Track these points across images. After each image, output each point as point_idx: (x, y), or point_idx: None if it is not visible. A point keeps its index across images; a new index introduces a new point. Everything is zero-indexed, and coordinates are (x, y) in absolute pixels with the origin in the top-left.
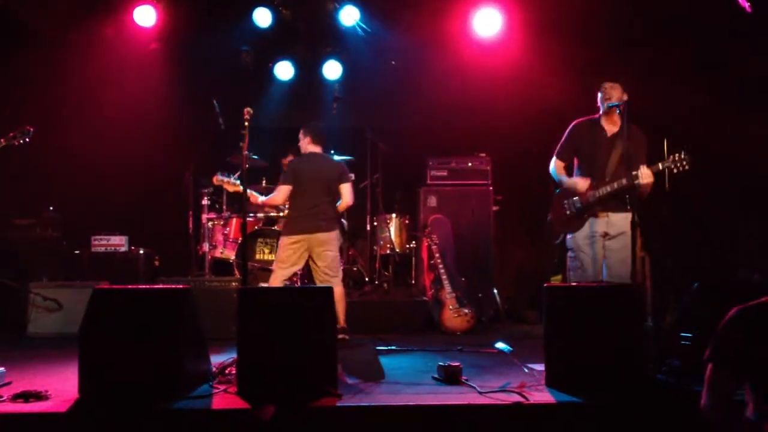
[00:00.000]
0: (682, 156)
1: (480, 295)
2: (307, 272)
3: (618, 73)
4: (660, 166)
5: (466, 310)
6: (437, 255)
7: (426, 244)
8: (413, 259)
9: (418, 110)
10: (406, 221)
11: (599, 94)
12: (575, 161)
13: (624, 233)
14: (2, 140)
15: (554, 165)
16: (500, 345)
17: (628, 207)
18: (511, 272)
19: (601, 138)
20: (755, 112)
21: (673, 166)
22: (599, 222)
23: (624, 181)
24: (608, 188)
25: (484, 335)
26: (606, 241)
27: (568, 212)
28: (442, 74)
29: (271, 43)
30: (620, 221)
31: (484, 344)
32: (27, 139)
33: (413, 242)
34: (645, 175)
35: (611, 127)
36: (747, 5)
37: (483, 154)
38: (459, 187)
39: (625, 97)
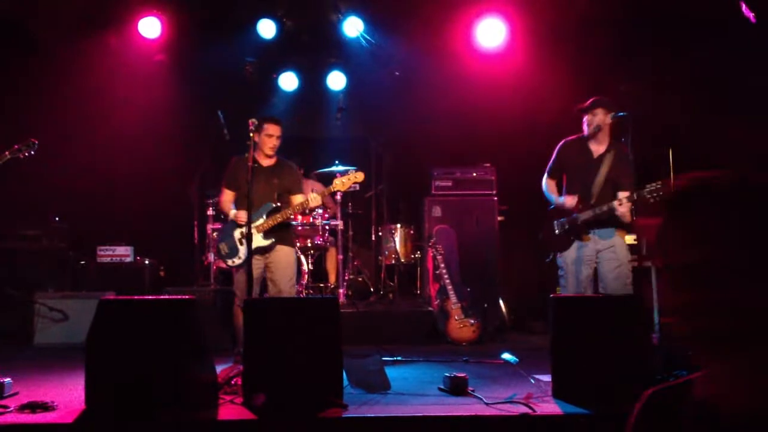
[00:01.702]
0: (659, 185)
1: (486, 305)
2: (313, 282)
3: (621, 82)
4: (635, 195)
5: (472, 321)
6: (442, 265)
7: (431, 254)
8: (418, 269)
9: (422, 120)
10: (411, 231)
11: (584, 119)
12: (564, 179)
13: (613, 246)
14: (7, 153)
15: (545, 183)
16: (506, 356)
17: (614, 221)
18: (517, 282)
19: (588, 158)
20: (760, 123)
21: (649, 196)
22: (587, 246)
23: (605, 207)
24: (591, 213)
25: (490, 346)
26: (598, 254)
27: (556, 231)
28: (446, 84)
29: (276, 54)
30: (607, 234)
31: (490, 355)
32: (32, 152)
33: (418, 252)
34: (622, 202)
35: (598, 147)
36: (752, 16)
37: (488, 165)
38: (464, 198)
39: (608, 120)
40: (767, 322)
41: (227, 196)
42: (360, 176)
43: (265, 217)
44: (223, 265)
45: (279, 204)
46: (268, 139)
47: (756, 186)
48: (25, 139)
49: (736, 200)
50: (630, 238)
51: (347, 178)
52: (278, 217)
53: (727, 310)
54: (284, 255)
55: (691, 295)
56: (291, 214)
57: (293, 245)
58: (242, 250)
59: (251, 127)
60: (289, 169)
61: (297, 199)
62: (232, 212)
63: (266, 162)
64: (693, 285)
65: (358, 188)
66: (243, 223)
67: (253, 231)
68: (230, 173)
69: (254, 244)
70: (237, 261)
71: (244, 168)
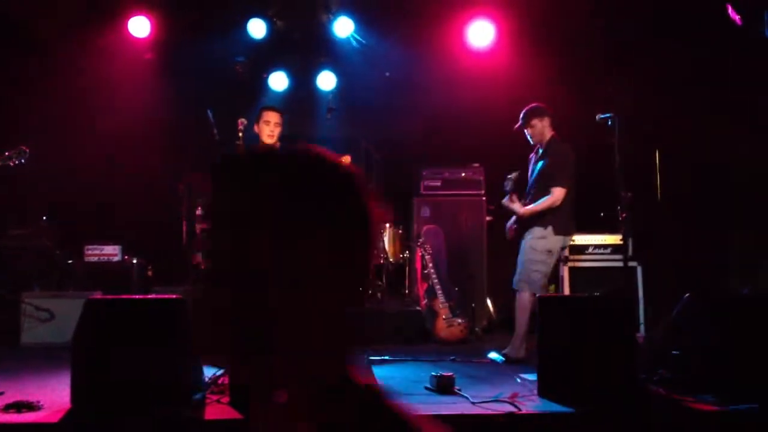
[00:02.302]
0: None
1: (473, 304)
2: None
3: (609, 83)
4: None
5: (460, 320)
6: (431, 265)
7: (419, 254)
8: (407, 268)
9: (411, 121)
10: (400, 231)
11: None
12: None
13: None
14: None
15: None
16: (493, 355)
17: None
18: (505, 282)
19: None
20: (748, 125)
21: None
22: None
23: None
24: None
25: (478, 345)
26: None
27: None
28: (436, 85)
29: (266, 53)
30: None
31: (477, 354)
32: (23, 161)
33: (407, 252)
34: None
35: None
36: (737, 18)
37: (476, 165)
38: (452, 198)
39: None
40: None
41: None
42: (346, 158)
43: None
44: None
45: None
46: (266, 126)
47: (286, 155)
48: (15, 146)
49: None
50: (615, 238)
51: None
52: None
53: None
54: None
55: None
56: None
57: None
58: None
59: (240, 127)
60: None
61: None
62: None
63: None
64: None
65: None
66: None
67: None
68: None
69: None
70: None
71: None
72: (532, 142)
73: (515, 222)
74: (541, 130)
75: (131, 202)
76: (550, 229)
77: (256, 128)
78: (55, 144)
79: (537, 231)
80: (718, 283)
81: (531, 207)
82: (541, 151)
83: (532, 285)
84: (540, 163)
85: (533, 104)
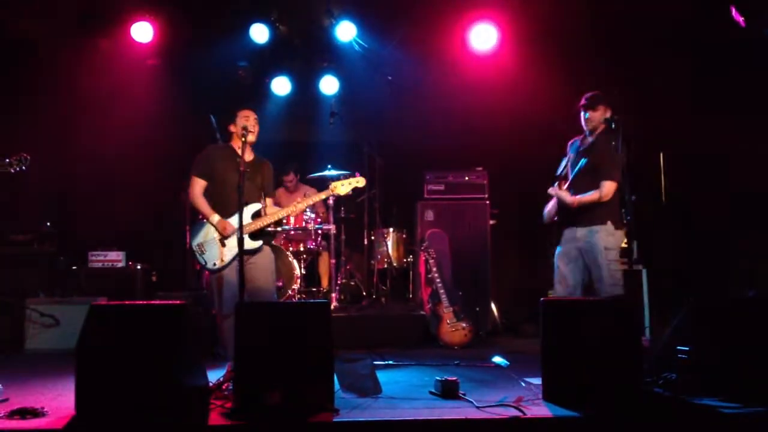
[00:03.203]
0: None
1: (477, 308)
2: (305, 287)
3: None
4: None
5: (464, 324)
6: (434, 269)
7: (423, 258)
8: (410, 273)
9: (414, 125)
10: (404, 235)
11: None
12: None
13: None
14: None
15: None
16: (497, 359)
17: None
18: (509, 286)
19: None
20: (753, 128)
21: None
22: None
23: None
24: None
25: (482, 349)
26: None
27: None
28: (439, 89)
29: (268, 58)
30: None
31: (481, 358)
32: (23, 168)
33: (410, 256)
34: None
35: (585, 140)
36: (741, 20)
37: (480, 168)
38: (456, 201)
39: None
40: None
41: (198, 187)
42: (361, 181)
43: (251, 218)
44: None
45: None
46: (246, 121)
47: None
48: (16, 152)
49: None
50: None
51: (348, 182)
52: (266, 219)
53: None
54: (266, 254)
55: None
56: (284, 216)
57: (271, 245)
58: (224, 252)
59: (243, 132)
60: (268, 167)
61: (268, 201)
62: (215, 218)
63: (247, 156)
64: None
65: (351, 194)
66: (227, 235)
67: (233, 236)
68: (204, 161)
69: (246, 245)
70: (218, 264)
71: (222, 157)
72: (586, 128)
73: (556, 212)
74: (600, 118)
75: (135, 207)
76: (610, 225)
77: (233, 128)
78: (57, 150)
79: (601, 230)
80: (723, 285)
81: (580, 197)
82: (590, 141)
83: (619, 287)
84: (587, 156)
85: (599, 92)
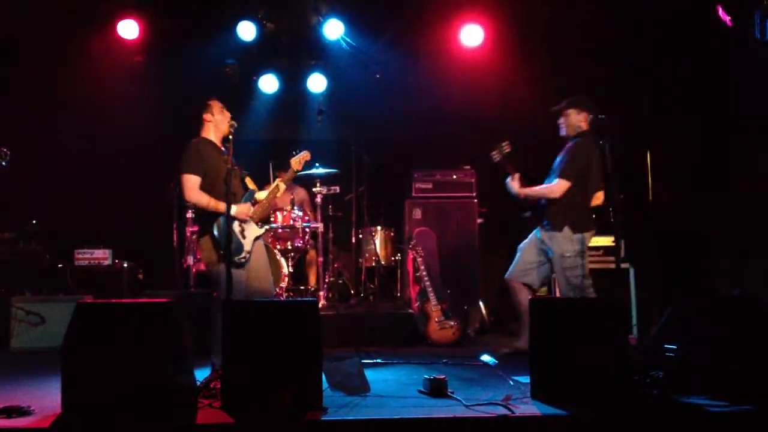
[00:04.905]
0: None
1: (465, 307)
2: (293, 285)
3: (599, 84)
4: None
5: (452, 323)
6: (422, 267)
7: (411, 256)
8: (398, 271)
9: (402, 123)
10: (392, 234)
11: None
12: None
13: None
14: None
15: None
16: (486, 357)
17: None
18: (497, 284)
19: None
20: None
21: None
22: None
23: None
24: None
25: (470, 347)
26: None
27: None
28: (427, 87)
29: (256, 56)
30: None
31: (469, 357)
32: (3, 163)
33: (398, 255)
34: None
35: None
36: (728, 19)
37: (467, 167)
38: (444, 200)
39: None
40: None
41: (196, 184)
42: (306, 155)
43: (251, 205)
44: (203, 268)
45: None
46: (222, 114)
47: None
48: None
49: None
50: (607, 240)
51: (299, 158)
52: (265, 203)
53: None
54: (261, 246)
55: None
56: (273, 197)
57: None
58: (245, 243)
59: (230, 129)
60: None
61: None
62: (234, 208)
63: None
64: None
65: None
66: (244, 218)
67: (249, 221)
68: (195, 157)
69: (253, 234)
70: (246, 257)
71: (209, 150)
72: (563, 134)
73: (530, 214)
74: (575, 122)
75: (121, 205)
76: (567, 230)
77: (208, 117)
78: (43, 147)
79: (557, 236)
80: (709, 284)
81: (528, 189)
82: (568, 144)
83: (580, 290)
84: (559, 157)
85: (581, 95)
